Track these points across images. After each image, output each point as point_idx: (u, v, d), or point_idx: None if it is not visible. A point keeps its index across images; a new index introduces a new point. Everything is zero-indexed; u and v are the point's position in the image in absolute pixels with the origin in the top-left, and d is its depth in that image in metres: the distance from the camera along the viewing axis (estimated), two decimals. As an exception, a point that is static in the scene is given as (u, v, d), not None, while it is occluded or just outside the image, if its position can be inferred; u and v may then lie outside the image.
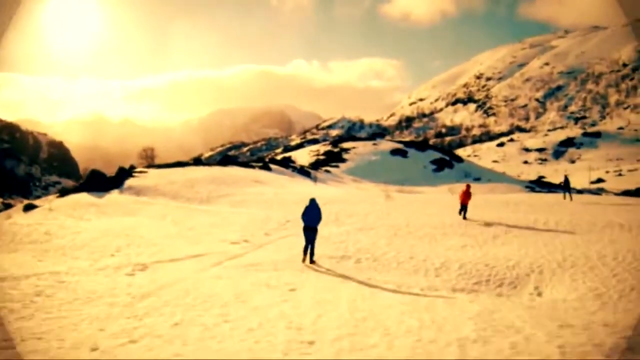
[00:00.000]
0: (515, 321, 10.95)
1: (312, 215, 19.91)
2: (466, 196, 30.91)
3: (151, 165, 64.42)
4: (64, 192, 40.68)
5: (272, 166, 74.81)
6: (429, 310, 12.01)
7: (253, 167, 69.77)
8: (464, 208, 30.77)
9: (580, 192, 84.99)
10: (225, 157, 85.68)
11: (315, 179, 72.14)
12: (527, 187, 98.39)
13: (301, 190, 48.33)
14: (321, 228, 21.51)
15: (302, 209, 19.90)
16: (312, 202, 20.25)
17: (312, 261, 19.62)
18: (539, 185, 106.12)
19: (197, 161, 70.23)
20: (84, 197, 36.08)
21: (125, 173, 45.95)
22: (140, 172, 49.40)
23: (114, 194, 37.66)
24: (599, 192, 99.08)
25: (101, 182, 40.75)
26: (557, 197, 47.18)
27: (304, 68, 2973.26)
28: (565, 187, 44.59)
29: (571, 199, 43.01)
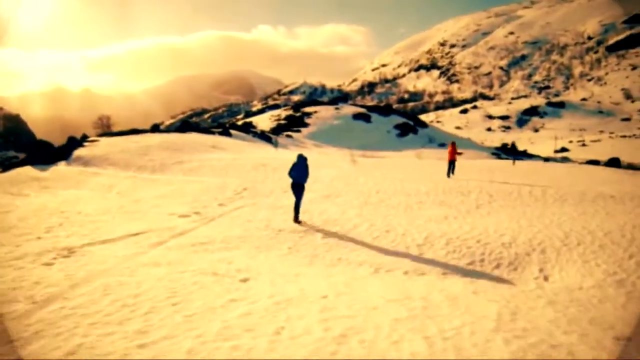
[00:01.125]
0: (555, 331, 8.13)
1: (300, 172, 19.21)
2: (453, 154, 32.84)
3: (105, 134, 61.23)
4: (7, 166, 37.41)
5: (232, 132, 73.66)
6: (431, 316, 9.00)
7: (213, 133, 68.11)
8: (452, 164, 32.80)
9: (546, 160, 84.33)
10: (184, 123, 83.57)
11: (276, 144, 70.44)
12: (493, 153, 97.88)
13: (261, 155, 45.75)
14: (281, 197, 20.97)
15: (261, 175, 18.38)
16: (300, 157, 19.39)
17: (297, 220, 19.06)
18: (505, 152, 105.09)
19: (155, 128, 67.38)
20: (27, 170, 32.37)
21: (75, 143, 42.49)
22: (92, 141, 45.95)
23: (61, 166, 34.12)
24: (564, 161, 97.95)
25: (48, 153, 37.19)
26: (531, 164, 46.24)
27: (269, 33, 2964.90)
28: (512, 152, 45.87)
29: (514, 163, 46.59)
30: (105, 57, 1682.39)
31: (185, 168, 34.68)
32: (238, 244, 15.66)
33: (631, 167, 61.70)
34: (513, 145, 47.63)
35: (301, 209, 19.72)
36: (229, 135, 69.08)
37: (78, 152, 38.26)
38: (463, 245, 15.69)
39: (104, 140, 46.96)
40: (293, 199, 19.44)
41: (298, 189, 19.27)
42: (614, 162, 64.29)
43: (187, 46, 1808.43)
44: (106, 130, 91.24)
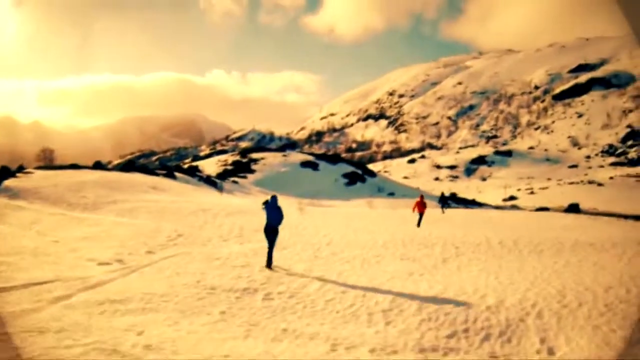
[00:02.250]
0: None
1: (274, 214, 18.05)
2: (422, 206, 33.57)
3: (43, 167, 58.27)
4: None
5: (177, 174, 71.25)
6: None
7: (157, 174, 65.60)
8: (420, 217, 33.10)
9: (497, 208, 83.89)
10: (129, 163, 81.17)
11: (221, 189, 67.75)
12: None
13: (203, 199, 42.91)
14: (219, 246, 19.89)
15: (200, 220, 19.98)
16: (274, 199, 18.31)
17: (269, 266, 17.53)
18: (455, 201, 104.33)
19: (97, 165, 64.64)
20: (-53, 200, 29.83)
21: (7, 173, 40.37)
22: (27, 172, 44.03)
23: (-15, 197, 31.46)
24: (513, 209, 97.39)
25: (-24, 182, 35.14)
26: (488, 212, 45.27)
27: (222, 79, 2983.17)
28: (441, 201, 49.04)
29: (443, 212, 46.27)
30: (61, 90, 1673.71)
31: (119, 208, 32.01)
32: (158, 304, 12.36)
33: (584, 212, 60.17)
34: (442, 195, 49.05)
35: (243, 261, 17.35)
36: (174, 177, 66.94)
37: (8, 183, 36.08)
38: (440, 310, 12.52)
39: (39, 173, 45.21)
40: (229, 249, 17.90)
41: (271, 232, 17.91)
42: (573, 208, 62.51)
43: (142, 86, 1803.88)
44: (48, 163, 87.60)
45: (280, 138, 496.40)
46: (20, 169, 45.66)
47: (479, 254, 20.72)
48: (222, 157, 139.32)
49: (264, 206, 18.31)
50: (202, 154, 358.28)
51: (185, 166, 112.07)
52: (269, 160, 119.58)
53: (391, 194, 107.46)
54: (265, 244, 18.46)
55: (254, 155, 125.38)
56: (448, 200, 48.90)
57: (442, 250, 21.38)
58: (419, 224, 32.67)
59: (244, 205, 40.41)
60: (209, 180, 78.52)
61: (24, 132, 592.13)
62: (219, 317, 11.76)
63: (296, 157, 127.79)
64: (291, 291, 14.35)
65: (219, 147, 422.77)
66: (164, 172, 71.41)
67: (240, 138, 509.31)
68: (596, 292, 13.65)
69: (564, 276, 15.91)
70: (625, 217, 46.80)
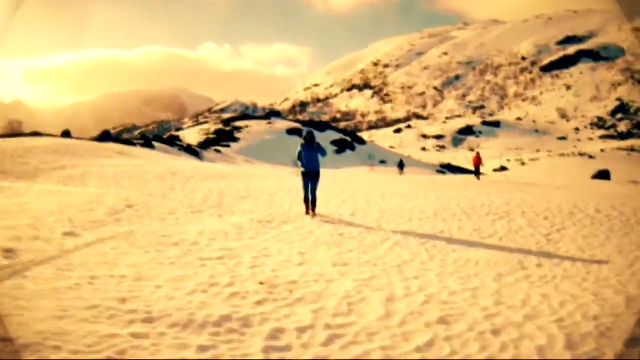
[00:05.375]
0: None
1: (312, 156, 15.05)
2: (478, 160, 39.23)
3: (4, 136, 51.55)
4: None
5: (155, 144, 65.05)
6: None
7: (134, 144, 59.44)
8: (477, 170, 38.76)
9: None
10: (105, 133, 74.29)
11: (202, 157, 61.41)
12: (438, 171, 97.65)
13: (175, 163, 35.35)
14: (184, 222, 13.20)
15: (165, 186, 18.13)
16: (310, 135, 15.29)
17: (314, 213, 14.79)
18: (450, 169, 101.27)
19: (65, 134, 57.71)
20: None
21: None
22: None
23: None
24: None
25: None
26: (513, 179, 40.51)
27: (214, 52, 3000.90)
28: (399, 166, 60.10)
29: (401, 174, 55.16)
30: (46, 68, 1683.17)
31: (65, 175, 24.41)
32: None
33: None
34: (401, 160, 47.74)
35: (221, 249, 10.15)
36: (152, 147, 60.61)
37: (-61, 153, 29.74)
38: None
39: (-13, 140, 38.56)
40: (202, 226, 12.02)
41: (311, 177, 14.96)
42: (603, 175, 56.69)
43: (130, 61, 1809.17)
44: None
45: (263, 109, 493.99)
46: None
47: (584, 227, 14.08)
48: (205, 126, 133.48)
49: (299, 153, 15.08)
50: (185, 127, 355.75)
51: (165, 137, 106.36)
52: (254, 129, 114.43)
53: (383, 162, 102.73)
54: (256, 214, 13.13)
55: (238, 124, 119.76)
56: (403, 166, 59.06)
57: (528, 221, 14.64)
58: (478, 177, 38.03)
59: (227, 170, 32.96)
60: (189, 150, 72.57)
61: (4, 111, 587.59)
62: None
63: (282, 124, 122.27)
64: (324, 317, 6.37)
65: (202, 120, 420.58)
66: (141, 142, 65.49)
67: (223, 110, 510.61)
68: None
69: None
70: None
